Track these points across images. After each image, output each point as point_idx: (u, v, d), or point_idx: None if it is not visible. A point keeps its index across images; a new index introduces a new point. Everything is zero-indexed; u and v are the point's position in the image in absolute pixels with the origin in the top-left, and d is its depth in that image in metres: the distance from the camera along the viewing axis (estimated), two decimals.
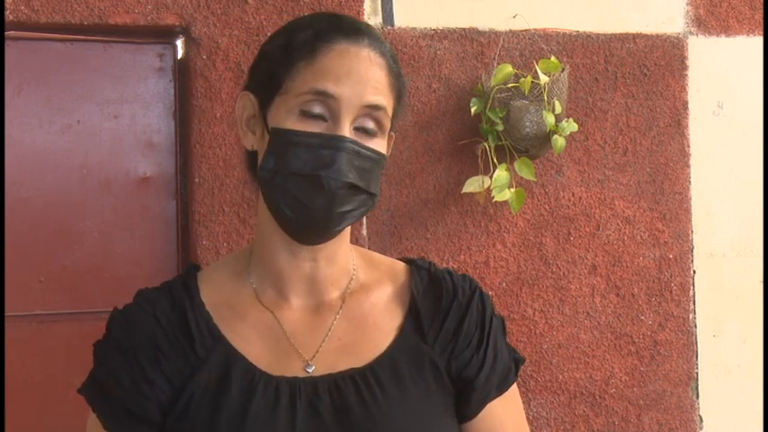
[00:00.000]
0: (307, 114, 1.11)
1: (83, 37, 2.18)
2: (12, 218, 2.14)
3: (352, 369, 1.14)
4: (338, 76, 1.10)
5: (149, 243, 2.23)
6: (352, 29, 1.15)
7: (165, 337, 1.16)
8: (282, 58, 1.14)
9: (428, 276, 1.22)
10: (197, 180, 2.19)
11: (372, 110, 1.12)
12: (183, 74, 2.23)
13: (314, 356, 1.15)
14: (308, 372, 1.14)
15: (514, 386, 1.24)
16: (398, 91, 1.17)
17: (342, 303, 1.19)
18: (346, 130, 1.10)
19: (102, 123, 2.21)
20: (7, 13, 2.08)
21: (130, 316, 1.19)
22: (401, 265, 1.26)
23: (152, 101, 2.25)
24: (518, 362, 1.24)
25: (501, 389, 1.21)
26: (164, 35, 2.22)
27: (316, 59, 1.11)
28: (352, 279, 1.21)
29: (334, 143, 1.09)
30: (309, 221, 1.12)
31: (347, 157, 1.09)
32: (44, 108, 2.18)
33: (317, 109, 1.10)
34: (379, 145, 1.14)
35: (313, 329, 1.18)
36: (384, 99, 1.13)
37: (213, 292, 1.21)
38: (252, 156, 1.19)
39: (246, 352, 1.15)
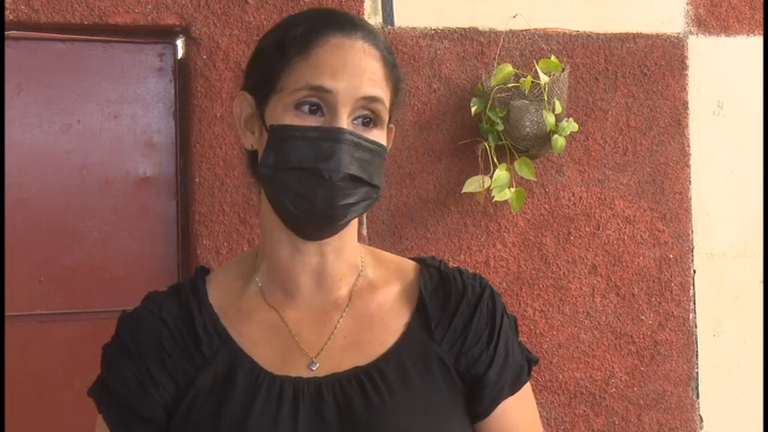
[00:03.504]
0: (303, 109, 1.11)
1: (83, 37, 2.18)
2: (12, 218, 2.14)
3: (357, 367, 1.14)
4: (334, 70, 1.10)
5: (149, 243, 2.23)
6: (346, 22, 1.15)
7: (172, 338, 1.16)
8: (277, 55, 1.14)
9: (438, 275, 1.21)
10: (197, 180, 2.19)
11: (370, 102, 1.12)
12: (183, 74, 2.23)
13: (318, 354, 1.15)
14: (312, 370, 1.14)
15: (528, 386, 1.22)
16: (395, 82, 1.17)
17: (348, 301, 1.19)
18: (344, 123, 1.10)
19: (102, 123, 2.21)
20: (7, 13, 2.08)
21: (137, 318, 1.20)
22: (410, 264, 1.25)
23: (152, 101, 2.25)
24: (531, 361, 1.23)
25: (514, 388, 1.19)
26: (164, 35, 2.22)
27: (310, 54, 1.11)
28: (359, 275, 1.21)
29: (332, 135, 1.09)
30: (312, 215, 1.11)
31: (347, 149, 1.09)
32: (44, 108, 2.18)
33: (314, 104, 1.10)
34: (379, 136, 1.14)
35: (319, 327, 1.17)
36: (381, 91, 1.13)
37: (221, 293, 1.21)
38: (252, 155, 1.19)
39: (252, 352, 1.15)
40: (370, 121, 1.13)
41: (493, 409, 1.18)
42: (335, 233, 1.15)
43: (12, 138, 2.14)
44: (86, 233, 2.20)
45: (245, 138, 1.18)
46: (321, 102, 1.10)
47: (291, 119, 1.11)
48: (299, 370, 1.14)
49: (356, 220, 1.17)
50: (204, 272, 1.25)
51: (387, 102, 1.14)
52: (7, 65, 2.11)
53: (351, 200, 1.11)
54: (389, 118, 1.17)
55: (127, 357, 1.17)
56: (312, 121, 1.10)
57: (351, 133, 1.10)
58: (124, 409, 1.15)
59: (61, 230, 2.18)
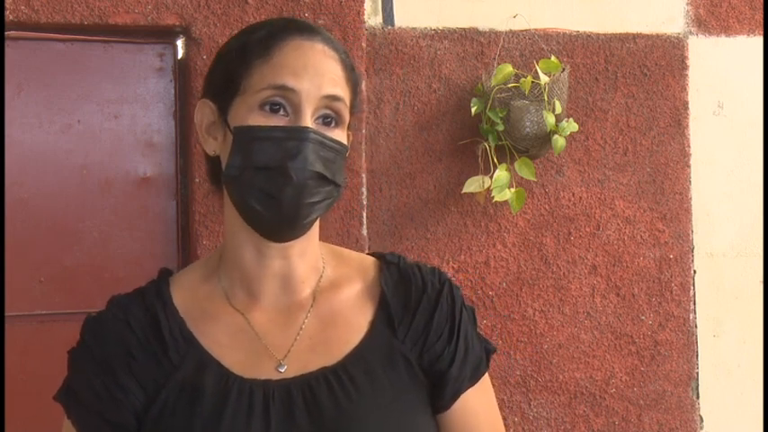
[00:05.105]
0: (268, 109, 1.12)
1: (83, 37, 2.18)
2: (12, 218, 2.14)
3: (324, 368, 1.14)
4: (295, 70, 1.12)
5: (149, 243, 2.23)
6: (306, 27, 1.17)
7: (138, 344, 1.16)
8: (238, 60, 1.15)
9: (397, 271, 1.23)
10: (197, 180, 2.19)
11: (332, 101, 1.13)
12: (183, 74, 2.23)
13: (286, 356, 1.15)
14: (280, 372, 1.14)
15: (486, 376, 1.25)
16: (354, 84, 1.19)
17: (312, 301, 1.19)
18: (308, 122, 1.11)
19: (102, 123, 2.21)
20: (7, 13, 2.08)
21: (103, 323, 1.20)
22: (370, 260, 1.26)
23: (152, 101, 2.25)
24: (489, 351, 1.25)
25: (473, 379, 1.22)
26: (164, 35, 2.22)
27: (272, 56, 1.13)
28: (321, 276, 1.22)
29: (298, 134, 1.10)
30: (279, 215, 1.12)
31: (312, 148, 1.10)
32: (44, 108, 2.18)
33: (278, 103, 1.12)
34: (340, 136, 1.15)
35: (284, 329, 1.18)
36: (342, 90, 1.14)
37: (186, 296, 1.21)
38: (213, 162, 1.20)
39: (219, 356, 1.15)
40: (332, 120, 1.14)
41: (453, 402, 1.20)
42: (300, 234, 1.16)
43: (12, 138, 2.14)
44: (86, 233, 2.20)
45: (207, 144, 1.19)
46: (285, 101, 1.12)
47: (256, 119, 1.12)
48: (267, 372, 1.14)
49: (318, 221, 1.19)
50: (168, 273, 1.25)
51: (347, 102, 1.16)
52: (7, 65, 2.11)
53: (315, 198, 1.12)
54: (349, 122, 1.19)
55: (94, 363, 1.17)
56: (277, 121, 1.11)
57: (315, 132, 1.11)
58: (93, 415, 1.16)
59: (61, 230, 2.18)
